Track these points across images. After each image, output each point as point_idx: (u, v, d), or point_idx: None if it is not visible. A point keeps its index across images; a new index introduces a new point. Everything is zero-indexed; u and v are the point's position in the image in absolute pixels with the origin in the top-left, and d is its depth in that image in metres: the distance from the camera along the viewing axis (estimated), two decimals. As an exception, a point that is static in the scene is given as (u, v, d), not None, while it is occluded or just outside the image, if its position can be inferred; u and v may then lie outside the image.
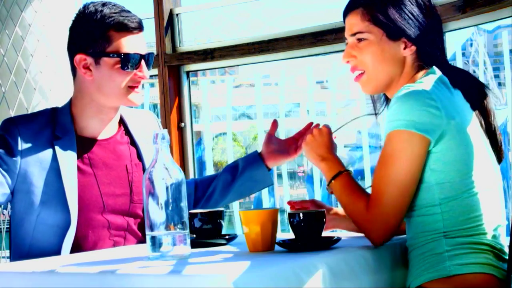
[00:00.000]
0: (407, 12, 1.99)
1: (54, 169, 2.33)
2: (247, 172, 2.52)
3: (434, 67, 2.01)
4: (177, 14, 4.24)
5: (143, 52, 2.38)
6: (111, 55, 2.34)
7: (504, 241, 1.97)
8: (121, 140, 2.47)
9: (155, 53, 4.20)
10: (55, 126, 2.39)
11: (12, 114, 3.89)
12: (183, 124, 4.22)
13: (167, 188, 1.84)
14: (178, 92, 4.24)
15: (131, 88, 2.38)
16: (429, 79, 1.96)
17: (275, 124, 2.51)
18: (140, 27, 2.39)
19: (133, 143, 2.48)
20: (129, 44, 2.36)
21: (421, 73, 2.02)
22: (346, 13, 2.07)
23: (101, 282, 1.76)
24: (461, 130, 1.91)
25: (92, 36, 2.35)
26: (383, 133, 1.96)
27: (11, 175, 2.33)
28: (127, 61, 2.34)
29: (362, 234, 2.17)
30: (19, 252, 2.35)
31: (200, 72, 5.47)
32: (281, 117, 7.26)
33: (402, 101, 1.89)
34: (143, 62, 2.38)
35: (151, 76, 4.57)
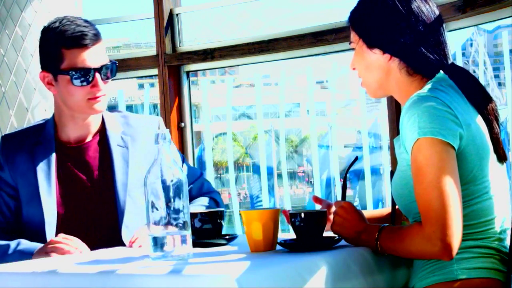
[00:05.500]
0: (381, 21, 2.01)
1: (32, 171, 2.45)
2: None
3: (441, 71, 2.01)
4: (177, 14, 4.24)
5: (96, 65, 2.40)
6: (64, 72, 2.40)
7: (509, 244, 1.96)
8: (96, 146, 2.52)
9: (155, 53, 4.20)
10: (41, 133, 2.51)
11: (12, 114, 3.89)
12: (183, 124, 4.22)
13: (168, 188, 1.84)
14: (178, 92, 4.24)
15: (91, 99, 2.42)
16: (438, 85, 1.95)
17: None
18: (91, 41, 2.40)
19: (108, 150, 2.51)
20: (80, 59, 2.40)
21: (419, 78, 2.01)
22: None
23: (102, 282, 1.76)
24: (476, 136, 1.91)
25: (48, 54, 2.45)
26: (401, 142, 1.94)
27: (13, 187, 2.48)
28: (79, 77, 2.39)
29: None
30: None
31: (200, 72, 5.48)
32: (281, 117, 7.27)
33: (419, 108, 1.87)
34: (97, 75, 2.40)
35: (151, 76, 4.59)
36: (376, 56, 2.03)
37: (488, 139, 1.96)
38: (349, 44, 2.09)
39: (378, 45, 2.02)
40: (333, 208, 2.09)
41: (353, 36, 2.07)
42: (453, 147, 1.86)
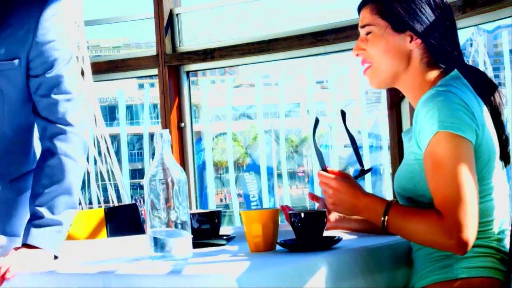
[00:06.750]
0: (414, 6, 1.99)
1: None
2: None
3: (455, 70, 2.01)
4: (177, 14, 4.25)
5: None
6: None
7: (508, 245, 1.96)
8: None
9: (155, 53, 4.20)
10: None
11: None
12: (183, 124, 4.23)
13: (168, 188, 1.84)
14: (178, 92, 4.24)
15: None
16: (454, 83, 1.95)
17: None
18: None
19: None
20: None
21: (436, 72, 2.01)
22: (359, 9, 2.07)
23: (102, 282, 1.76)
24: (488, 136, 1.92)
25: None
26: (412, 135, 1.93)
27: None
28: None
29: (363, 234, 2.18)
30: None
31: (200, 72, 5.49)
32: (281, 117, 7.26)
33: (439, 102, 1.86)
34: None
35: (151, 76, 4.59)
36: (404, 41, 1.99)
37: (496, 140, 1.96)
38: (362, 27, 2.03)
39: (410, 28, 1.98)
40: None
41: (373, 18, 2.01)
42: (472, 143, 1.87)
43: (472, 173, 1.84)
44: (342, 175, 1.99)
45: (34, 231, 2.04)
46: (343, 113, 2.11)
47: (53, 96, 2.11)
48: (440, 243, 1.83)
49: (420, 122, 1.89)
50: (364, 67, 2.05)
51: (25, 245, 2.04)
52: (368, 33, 2.02)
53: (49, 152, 2.10)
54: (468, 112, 1.87)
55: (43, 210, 2.05)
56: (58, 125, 2.11)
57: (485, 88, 2.02)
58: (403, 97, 2.10)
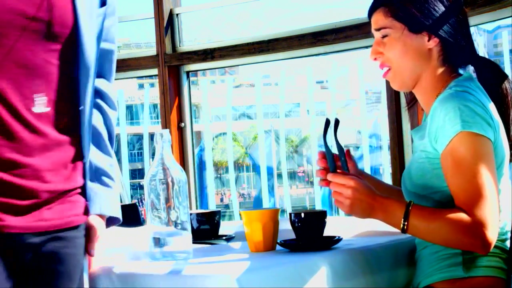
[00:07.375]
0: (427, 5, 1.99)
1: None
2: None
3: (469, 71, 2.01)
4: (177, 14, 4.24)
5: None
6: None
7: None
8: None
9: (155, 53, 4.20)
10: None
11: (12, 114, 3.89)
12: (183, 124, 4.22)
13: (168, 188, 1.84)
14: (178, 92, 4.24)
15: None
16: (468, 84, 1.95)
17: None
18: None
19: None
20: None
21: (447, 69, 2.00)
22: (370, 12, 2.06)
23: (102, 282, 1.76)
24: (501, 139, 1.92)
25: None
26: (427, 133, 1.92)
27: None
28: None
29: (363, 234, 2.18)
30: None
31: (200, 72, 5.48)
32: (281, 117, 7.26)
33: (460, 102, 1.86)
34: None
35: (151, 76, 4.59)
36: (422, 40, 1.98)
37: (506, 144, 1.96)
38: (378, 30, 2.01)
39: (426, 28, 1.97)
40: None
41: (389, 21, 2.00)
42: (492, 143, 1.87)
43: (493, 173, 1.84)
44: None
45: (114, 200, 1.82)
46: (336, 122, 2.02)
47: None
48: (464, 242, 1.83)
49: (438, 121, 1.88)
50: (384, 70, 2.04)
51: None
52: (384, 36, 2.01)
53: (109, 119, 1.94)
54: (487, 113, 1.88)
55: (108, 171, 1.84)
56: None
57: (496, 78, 2.02)
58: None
